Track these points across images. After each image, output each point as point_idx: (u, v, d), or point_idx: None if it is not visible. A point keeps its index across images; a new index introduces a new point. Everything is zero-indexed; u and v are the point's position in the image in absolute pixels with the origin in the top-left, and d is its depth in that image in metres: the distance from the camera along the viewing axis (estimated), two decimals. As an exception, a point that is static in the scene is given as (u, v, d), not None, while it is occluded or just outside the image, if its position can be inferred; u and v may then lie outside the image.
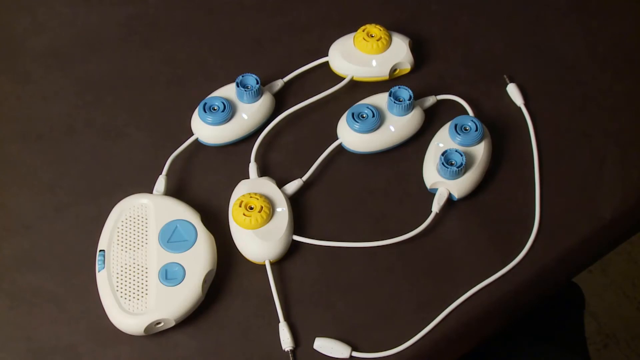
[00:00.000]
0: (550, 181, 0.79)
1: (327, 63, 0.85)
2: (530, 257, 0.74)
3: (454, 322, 0.71)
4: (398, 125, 0.79)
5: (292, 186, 0.77)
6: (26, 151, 0.81)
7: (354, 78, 0.84)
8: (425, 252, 0.75)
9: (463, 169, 0.75)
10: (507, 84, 0.84)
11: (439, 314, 0.71)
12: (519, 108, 0.83)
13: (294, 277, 0.73)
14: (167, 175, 0.77)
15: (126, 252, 0.71)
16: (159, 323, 0.69)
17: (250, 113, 0.80)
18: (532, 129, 0.82)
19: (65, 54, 0.88)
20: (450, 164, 0.75)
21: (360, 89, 0.84)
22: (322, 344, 0.69)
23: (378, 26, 0.84)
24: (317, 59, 0.85)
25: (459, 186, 0.76)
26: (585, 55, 0.88)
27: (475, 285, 0.73)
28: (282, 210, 0.74)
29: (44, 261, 0.74)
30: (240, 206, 0.73)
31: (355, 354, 0.69)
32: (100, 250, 0.71)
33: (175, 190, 0.77)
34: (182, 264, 0.70)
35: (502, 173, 0.79)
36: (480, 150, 0.77)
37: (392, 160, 0.80)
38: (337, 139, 0.80)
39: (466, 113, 0.82)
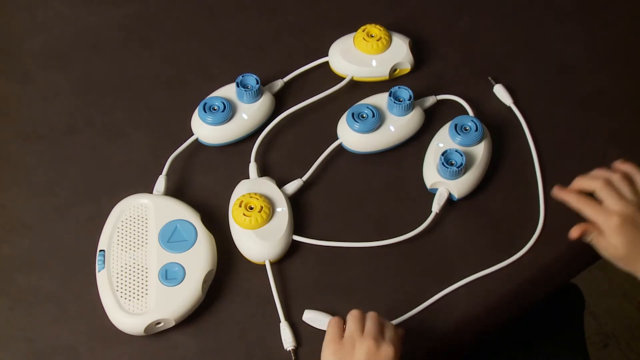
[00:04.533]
0: (550, 181, 0.78)
1: (327, 63, 0.85)
2: (530, 257, 0.74)
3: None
4: (398, 125, 0.79)
5: (292, 186, 0.77)
6: (26, 151, 0.81)
7: (354, 78, 0.84)
8: (425, 252, 0.74)
9: (463, 169, 0.75)
10: (493, 85, 0.84)
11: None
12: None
13: (294, 277, 0.73)
14: (167, 175, 0.77)
15: (126, 252, 0.71)
16: (159, 323, 0.69)
17: (250, 113, 0.80)
18: (526, 128, 0.81)
19: (65, 54, 0.88)
20: (450, 164, 0.75)
21: (360, 89, 0.83)
22: (311, 316, 0.70)
23: (378, 26, 0.84)
24: (317, 59, 0.85)
25: (459, 186, 0.75)
26: (584, 55, 0.88)
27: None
28: (282, 210, 0.74)
29: (44, 261, 0.74)
30: (240, 206, 0.73)
31: (355, 353, 0.69)
32: (100, 250, 0.71)
33: (175, 190, 0.77)
34: (182, 264, 0.70)
35: (502, 173, 0.79)
36: (480, 150, 0.77)
37: (392, 160, 0.80)
38: (337, 139, 0.80)
39: (466, 113, 0.82)
